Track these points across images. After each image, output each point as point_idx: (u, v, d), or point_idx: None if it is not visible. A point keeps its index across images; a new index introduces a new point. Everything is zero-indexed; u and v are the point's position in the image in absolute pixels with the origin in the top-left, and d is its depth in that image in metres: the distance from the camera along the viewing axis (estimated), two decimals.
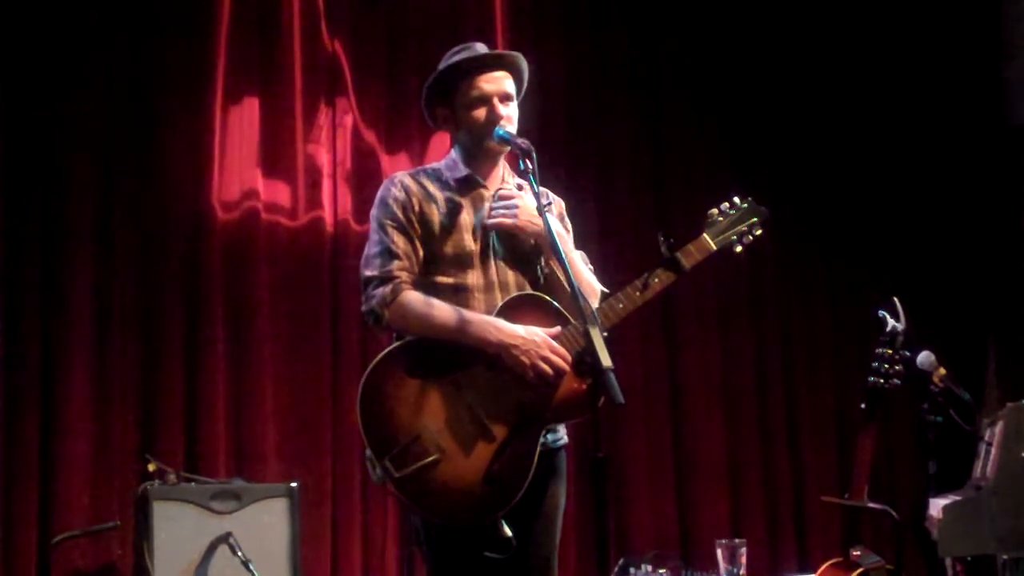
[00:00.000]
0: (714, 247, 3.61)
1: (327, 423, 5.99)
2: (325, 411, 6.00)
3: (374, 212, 3.56)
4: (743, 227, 3.67)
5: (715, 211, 3.67)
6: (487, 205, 3.56)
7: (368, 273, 3.47)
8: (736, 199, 3.70)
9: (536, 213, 3.43)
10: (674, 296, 6.74)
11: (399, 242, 3.48)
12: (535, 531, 3.46)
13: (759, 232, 3.70)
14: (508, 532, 3.31)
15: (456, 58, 3.59)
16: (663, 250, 3.51)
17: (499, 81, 3.55)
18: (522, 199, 3.50)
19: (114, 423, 5.65)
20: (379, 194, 3.59)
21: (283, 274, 6.07)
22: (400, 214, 3.50)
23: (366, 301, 3.46)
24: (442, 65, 3.60)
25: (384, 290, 3.42)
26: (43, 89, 5.72)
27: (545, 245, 3.48)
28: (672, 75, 6.95)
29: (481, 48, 3.62)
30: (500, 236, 3.54)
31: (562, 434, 3.58)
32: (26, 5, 5.73)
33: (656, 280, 3.50)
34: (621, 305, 3.46)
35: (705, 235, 3.61)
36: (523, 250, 3.56)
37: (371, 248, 3.51)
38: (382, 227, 3.51)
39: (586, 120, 6.78)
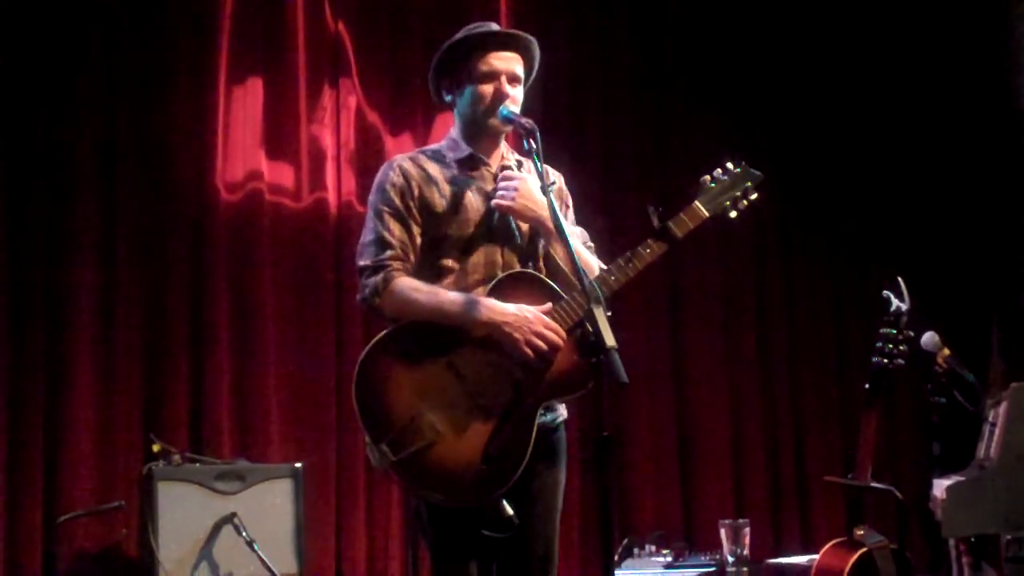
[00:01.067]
0: (706, 214, 3.55)
1: (331, 404, 5.99)
2: (329, 392, 6.00)
3: (371, 198, 3.55)
4: (737, 192, 3.61)
5: (707, 178, 3.61)
6: (490, 185, 3.55)
7: (362, 263, 3.47)
8: (729, 164, 3.64)
9: (535, 194, 3.42)
10: (678, 277, 6.76)
11: (394, 230, 3.46)
12: (534, 512, 3.45)
13: (754, 196, 3.63)
14: (510, 511, 3.30)
15: (471, 31, 3.58)
16: (654, 220, 3.47)
17: (510, 61, 3.54)
18: (523, 180, 3.47)
19: (119, 403, 5.66)
20: (377, 179, 3.56)
21: (287, 255, 6.07)
22: (398, 201, 3.48)
23: (360, 291, 3.46)
24: (456, 37, 3.58)
25: (376, 279, 3.42)
26: (44, 71, 5.70)
27: (544, 227, 3.45)
28: (676, 64, 6.95)
29: (497, 27, 3.62)
30: (504, 217, 3.53)
31: (560, 412, 3.55)
32: None
33: (648, 251, 3.45)
34: (613, 278, 3.42)
35: (697, 202, 3.56)
36: (525, 231, 3.55)
37: (366, 236, 3.50)
38: (378, 214, 3.49)
39: (590, 109, 6.80)
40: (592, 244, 3.67)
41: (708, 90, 6.92)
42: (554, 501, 3.52)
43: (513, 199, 3.46)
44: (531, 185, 3.46)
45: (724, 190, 3.60)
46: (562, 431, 3.58)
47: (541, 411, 3.40)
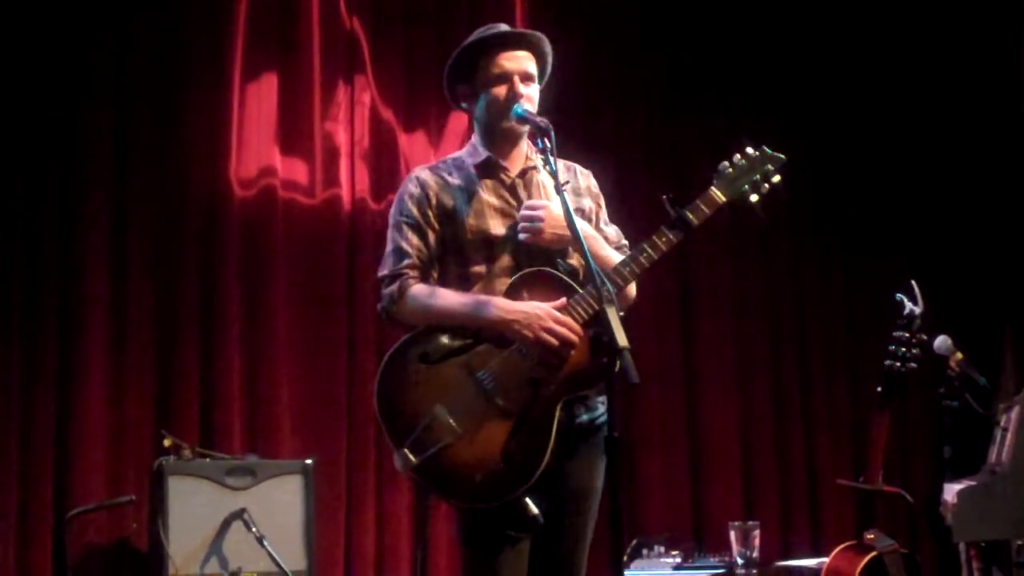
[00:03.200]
0: (723, 199, 3.44)
1: (342, 400, 5.99)
2: (340, 388, 6.01)
3: (391, 211, 3.58)
4: (756, 176, 3.49)
5: (725, 163, 3.50)
6: (507, 191, 3.54)
7: (381, 273, 3.51)
8: (748, 149, 3.52)
9: (563, 218, 3.31)
10: (689, 280, 6.76)
11: (412, 239, 3.49)
12: (565, 517, 3.45)
13: (776, 180, 3.50)
14: (534, 509, 3.29)
15: (478, 35, 3.57)
16: (668, 209, 3.40)
17: (520, 60, 3.52)
18: (547, 208, 3.44)
19: (130, 398, 5.66)
20: (397, 192, 3.60)
21: (300, 251, 6.07)
22: (415, 210, 3.51)
23: (379, 301, 3.50)
24: (465, 43, 3.58)
25: (393, 288, 3.45)
26: (59, 66, 5.70)
27: (571, 243, 3.41)
28: (691, 60, 6.94)
29: (505, 28, 3.60)
30: None
31: (600, 410, 3.49)
32: None
33: (663, 240, 3.39)
34: (628, 269, 3.38)
35: (713, 188, 3.46)
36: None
37: (386, 248, 3.54)
38: (396, 226, 3.53)
39: (605, 105, 6.78)
40: (626, 242, 3.63)
41: (723, 88, 6.91)
42: (586, 505, 3.49)
43: (541, 230, 3.43)
44: (555, 210, 3.40)
45: (742, 174, 3.50)
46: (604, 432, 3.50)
47: (579, 409, 3.41)
